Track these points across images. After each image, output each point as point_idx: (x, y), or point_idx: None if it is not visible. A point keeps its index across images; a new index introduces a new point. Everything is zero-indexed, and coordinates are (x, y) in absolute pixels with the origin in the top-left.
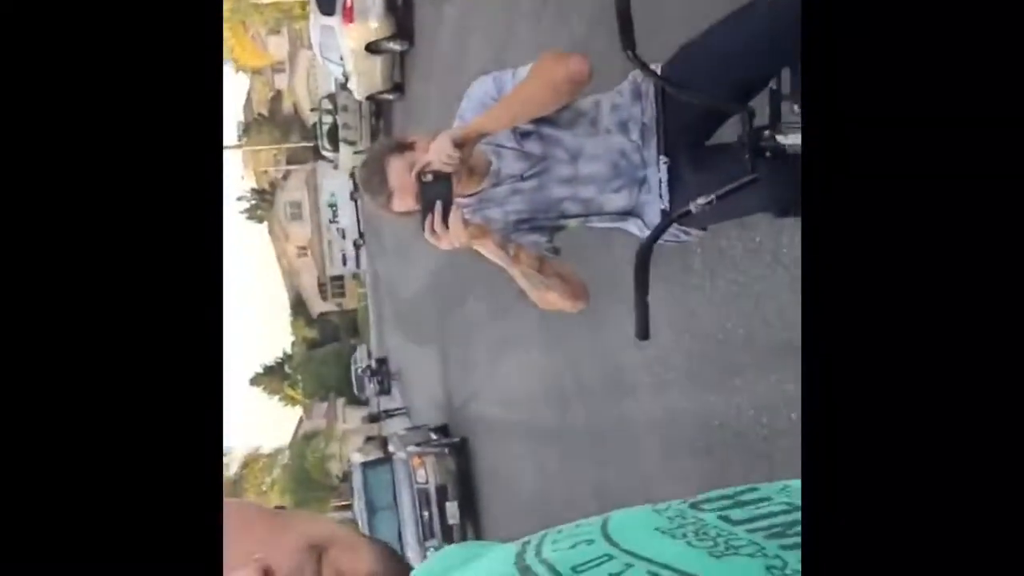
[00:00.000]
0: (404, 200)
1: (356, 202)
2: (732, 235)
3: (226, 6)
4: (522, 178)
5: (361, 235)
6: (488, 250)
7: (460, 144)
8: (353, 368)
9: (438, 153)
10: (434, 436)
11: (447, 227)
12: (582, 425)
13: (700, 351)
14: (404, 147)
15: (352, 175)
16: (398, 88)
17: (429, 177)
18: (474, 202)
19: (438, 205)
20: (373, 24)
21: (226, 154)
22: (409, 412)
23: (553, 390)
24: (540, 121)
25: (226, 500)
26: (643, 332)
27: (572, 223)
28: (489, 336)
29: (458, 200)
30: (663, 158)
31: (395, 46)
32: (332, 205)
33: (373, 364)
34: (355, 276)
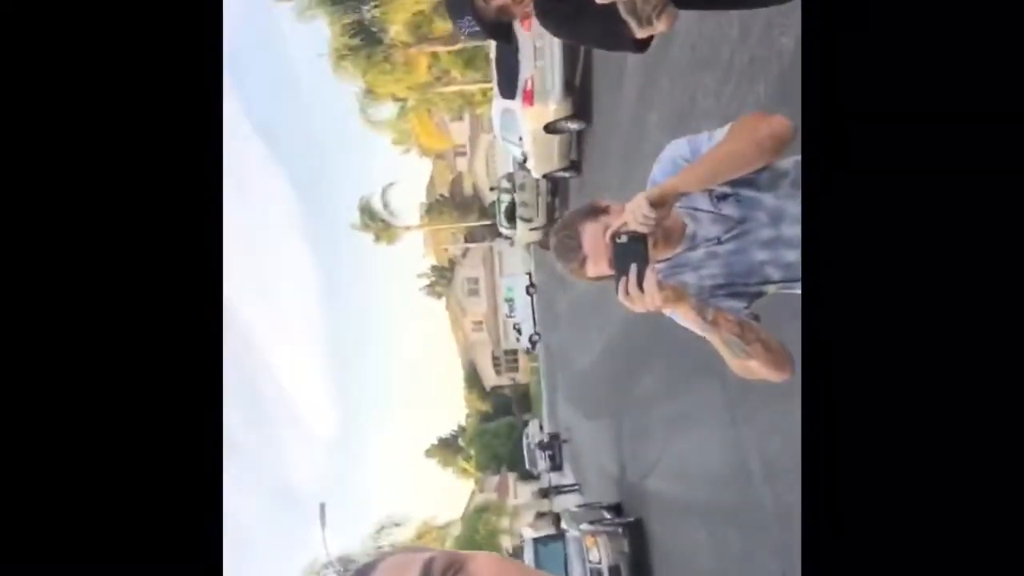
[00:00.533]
0: (598, 264)
1: (532, 297)
2: None
3: (412, 95)
4: (719, 241)
5: (537, 332)
6: (684, 314)
7: (657, 204)
8: (525, 442)
9: (634, 213)
10: (607, 515)
11: (641, 289)
12: (768, 507)
13: None
14: (598, 211)
15: (529, 274)
16: (574, 166)
17: (624, 238)
18: (668, 267)
19: (633, 267)
20: (552, 106)
21: (409, 234)
22: (581, 488)
23: (737, 468)
24: (738, 183)
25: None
26: None
27: (771, 288)
28: (667, 410)
29: (652, 264)
30: None
31: (573, 125)
32: (509, 300)
33: (545, 438)
34: (528, 351)
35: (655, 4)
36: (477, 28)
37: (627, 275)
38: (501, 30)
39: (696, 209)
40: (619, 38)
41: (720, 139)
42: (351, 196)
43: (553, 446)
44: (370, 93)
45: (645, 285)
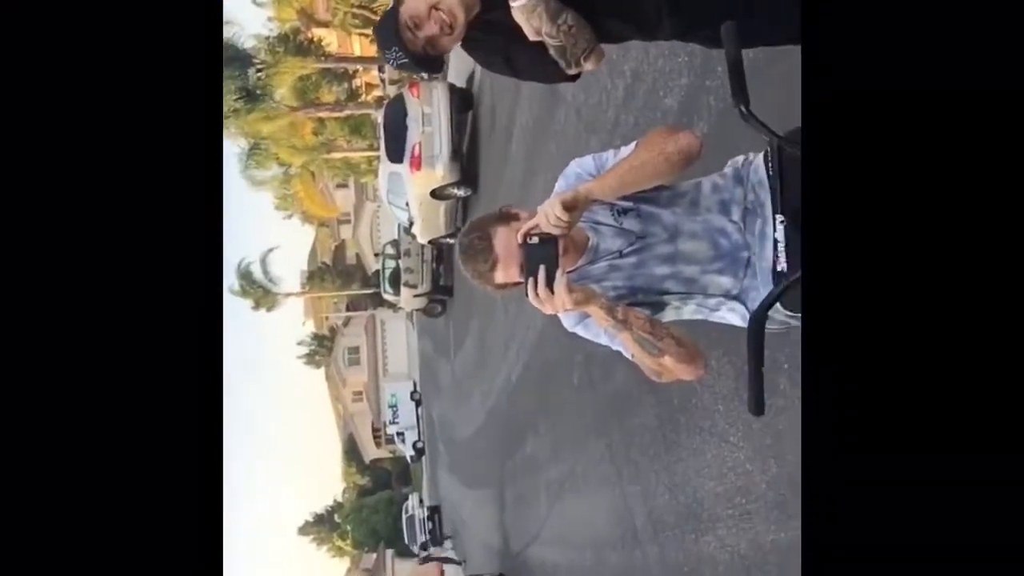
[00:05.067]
0: (508, 269)
1: (417, 403)
2: None
3: (297, 160)
4: (620, 255)
5: (421, 440)
6: (594, 314)
7: (570, 208)
8: (404, 517)
9: (547, 215)
10: None
11: (551, 292)
12: (656, 566)
13: (788, 477)
14: (509, 217)
15: (415, 382)
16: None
17: (535, 239)
18: (572, 278)
19: (542, 269)
20: (439, 171)
21: (289, 301)
22: (464, 563)
23: (623, 529)
24: (639, 199)
25: None
26: (758, 406)
27: (671, 311)
28: (550, 475)
29: (563, 266)
30: (779, 217)
31: (459, 192)
32: (392, 406)
33: (425, 512)
34: (411, 460)
35: (583, 48)
36: (405, 59)
37: (537, 276)
38: (429, 62)
39: (598, 223)
40: (549, 72)
41: (626, 154)
42: (229, 260)
43: (433, 520)
44: (254, 152)
45: (556, 286)
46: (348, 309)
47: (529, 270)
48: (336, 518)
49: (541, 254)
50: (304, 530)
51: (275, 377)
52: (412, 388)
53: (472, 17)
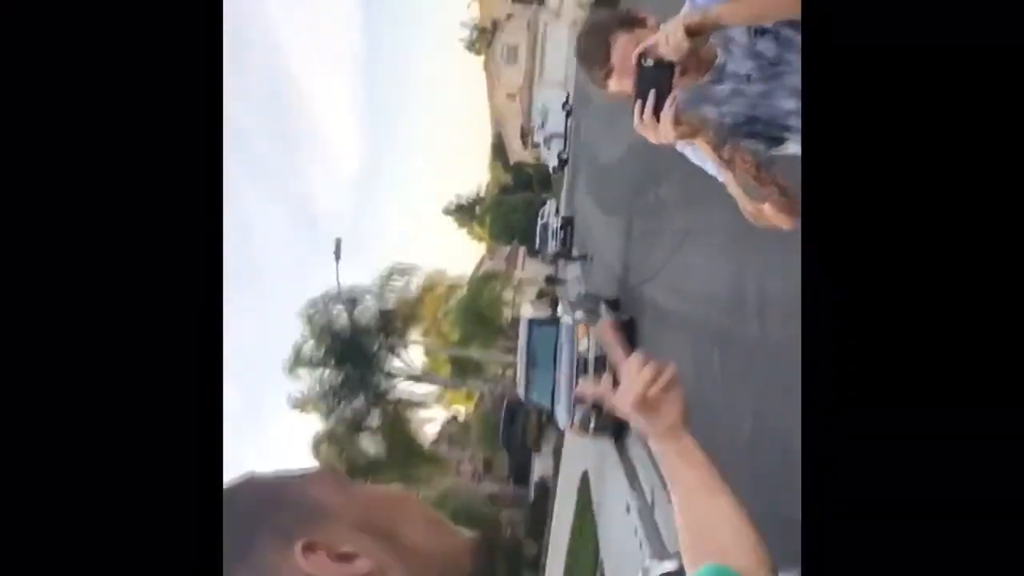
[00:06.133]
0: (622, 81)
1: (567, 114)
2: None
3: None
4: (748, 79)
5: (566, 149)
6: (701, 147)
7: (694, 32)
8: (539, 222)
9: (668, 37)
10: (603, 308)
11: (658, 120)
12: (754, 338)
13: None
14: (634, 22)
15: (568, 94)
16: None
17: (650, 62)
18: (690, 95)
19: (652, 94)
20: None
21: None
22: (585, 276)
23: (732, 295)
24: (783, 22)
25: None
26: None
27: (792, 145)
28: (677, 222)
29: (674, 94)
30: None
31: None
32: (542, 112)
33: (559, 222)
34: (554, 170)
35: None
36: None
37: (645, 100)
38: None
39: (731, 39)
40: None
41: None
42: None
43: (565, 230)
44: None
45: (662, 114)
46: (513, 1)
47: (638, 93)
48: (477, 210)
49: (654, 78)
50: (448, 210)
51: (439, 56)
52: (565, 99)
53: None
